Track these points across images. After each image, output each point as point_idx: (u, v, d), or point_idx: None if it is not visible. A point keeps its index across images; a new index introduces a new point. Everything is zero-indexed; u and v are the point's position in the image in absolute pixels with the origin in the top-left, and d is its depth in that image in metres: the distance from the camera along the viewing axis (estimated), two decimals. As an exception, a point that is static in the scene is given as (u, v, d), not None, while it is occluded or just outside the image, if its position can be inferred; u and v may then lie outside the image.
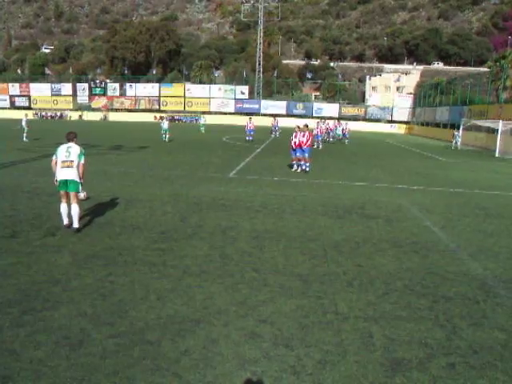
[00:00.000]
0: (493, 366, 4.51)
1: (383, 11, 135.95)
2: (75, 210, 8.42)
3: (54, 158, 8.64)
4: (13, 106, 72.47)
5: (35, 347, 4.56)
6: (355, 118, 66.08)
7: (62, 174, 8.40)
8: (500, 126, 31.67)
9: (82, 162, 8.52)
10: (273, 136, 40.18)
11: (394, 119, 66.17)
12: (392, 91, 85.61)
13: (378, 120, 65.78)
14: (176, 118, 68.38)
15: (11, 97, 73.12)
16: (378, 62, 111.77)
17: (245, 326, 5.15)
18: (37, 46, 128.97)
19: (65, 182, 8.41)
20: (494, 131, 33.90)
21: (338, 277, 6.73)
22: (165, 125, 31.54)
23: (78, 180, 8.42)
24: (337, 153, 27.33)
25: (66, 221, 8.62)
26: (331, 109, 68.55)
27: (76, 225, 8.49)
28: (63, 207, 8.58)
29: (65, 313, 5.30)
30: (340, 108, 68.81)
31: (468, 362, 4.57)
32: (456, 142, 36.69)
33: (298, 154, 17.67)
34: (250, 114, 63.14)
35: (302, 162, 17.69)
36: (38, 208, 10.44)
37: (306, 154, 17.62)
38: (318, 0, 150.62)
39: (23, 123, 29.35)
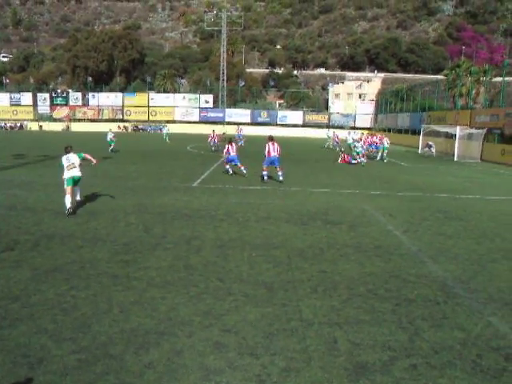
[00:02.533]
0: (453, 365, 4.64)
1: (344, 21, 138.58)
2: (79, 190, 11.97)
3: (63, 164, 11.61)
4: (-31, 117, 70.26)
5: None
6: (319, 126, 66.91)
7: (70, 173, 11.44)
8: (457, 131, 32.72)
9: (83, 156, 12.10)
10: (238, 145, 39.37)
11: (356, 126, 67.34)
12: (354, 98, 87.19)
13: (341, 127, 66.81)
14: (140, 127, 67.70)
15: (-33, 107, 70.90)
16: (340, 70, 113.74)
17: (209, 336, 5.13)
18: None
19: (72, 178, 11.40)
20: (452, 136, 34.94)
21: (303, 283, 6.78)
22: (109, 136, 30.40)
23: (80, 175, 11.65)
24: (299, 160, 27.59)
25: (69, 206, 10.94)
26: (295, 116, 69.27)
27: (79, 198, 11.96)
28: (68, 198, 11.02)
29: (24, 330, 5.15)
30: (304, 115, 69.60)
31: (429, 363, 4.68)
32: (431, 151, 37.06)
33: (271, 165, 17.28)
34: (214, 122, 63.16)
35: (280, 173, 17.21)
36: (-5, 222, 10.11)
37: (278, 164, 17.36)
38: (280, 10, 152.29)
39: None
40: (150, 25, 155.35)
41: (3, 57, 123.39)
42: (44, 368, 4.39)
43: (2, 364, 4.49)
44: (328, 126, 65.80)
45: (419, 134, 40.20)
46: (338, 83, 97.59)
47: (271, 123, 67.00)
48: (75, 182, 11.53)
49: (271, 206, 12.59)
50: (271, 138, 17.37)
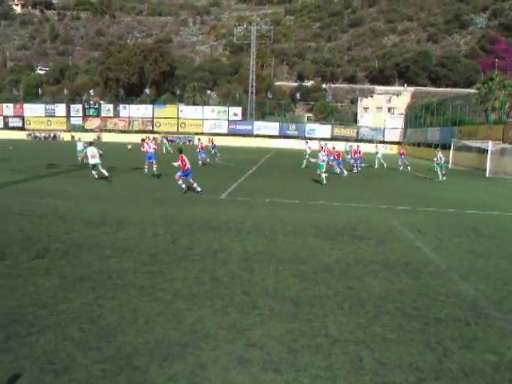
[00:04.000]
0: (483, 390, 4.48)
1: (374, 34, 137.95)
2: (103, 170, 19.54)
3: (84, 153, 19.83)
4: (6, 127, 72.42)
5: (20, 374, 4.48)
6: (347, 139, 66.57)
7: (93, 160, 19.77)
8: (490, 146, 32.03)
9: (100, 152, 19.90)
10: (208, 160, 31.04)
11: (385, 140, 66.69)
12: (383, 112, 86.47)
13: (370, 141, 66.26)
14: (170, 138, 68.56)
15: (5, 117, 73.12)
16: (370, 84, 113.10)
17: (233, 350, 5.10)
18: (32, 68, 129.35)
19: (95, 164, 19.75)
20: (484, 151, 34.22)
21: (329, 299, 6.70)
22: (79, 147, 27.94)
23: (100, 162, 19.71)
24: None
25: (95, 177, 19.60)
26: (323, 130, 69.10)
27: (106, 174, 19.47)
28: (94, 173, 19.85)
29: (51, 337, 5.22)
30: (332, 129, 69.37)
31: (459, 386, 4.53)
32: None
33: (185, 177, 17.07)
34: (242, 135, 63.43)
35: (195, 185, 16.78)
36: (27, 230, 10.35)
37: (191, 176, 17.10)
38: (309, 23, 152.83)
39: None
40: (181, 38, 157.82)
41: (40, 70, 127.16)
42: (69, 376, 4.44)
43: (30, 370, 4.56)
44: (356, 140, 65.39)
45: (449, 148, 39.49)
46: (366, 97, 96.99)
47: (299, 136, 66.92)
48: (95, 166, 19.80)
49: (298, 220, 12.53)
50: (181, 151, 17.10)
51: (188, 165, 16.89)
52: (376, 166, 34.17)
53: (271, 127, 68.65)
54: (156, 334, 5.41)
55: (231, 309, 6.21)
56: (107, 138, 69.85)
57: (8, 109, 73.70)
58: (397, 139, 67.10)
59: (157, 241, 9.71)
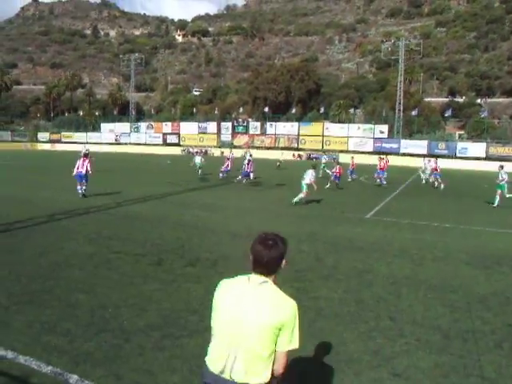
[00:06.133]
0: None
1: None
2: None
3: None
4: (165, 143, 79.76)
5: (172, 372, 4.86)
6: (505, 159, 60.83)
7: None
8: None
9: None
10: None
11: (553, 159, 59.57)
12: (550, 129, 77.46)
13: (533, 160, 59.80)
14: (313, 156, 69.26)
15: (164, 134, 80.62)
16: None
17: (378, 377, 4.93)
18: (188, 89, 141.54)
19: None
20: None
21: (485, 335, 6.13)
22: (197, 160, 30.49)
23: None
24: (482, 196, 25.26)
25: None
26: (477, 148, 63.95)
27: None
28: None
29: (200, 342, 5.53)
30: (487, 147, 63.95)
31: None
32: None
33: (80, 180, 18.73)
34: (388, 153, 61.59)
35: (84, 187, 18.63)
36: (181, 239, 11.23)
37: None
38: (463, 34, 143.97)
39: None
40: (327, 57, 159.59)
41: (195, 91, 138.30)
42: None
43: (180, 370, 4.93)
44: (516, 159, 59.48)
45: None
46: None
47: (450, 155, 62.91)
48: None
49: (449, 245, 11.71)
50: (85, 155, 19.32)
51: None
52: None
53: (419, 145, 65.48)
54: (298, 351, 5.44)
55: (376, 334, 6.02)
56: (255, 154, 72.87)
57: (167, 127, 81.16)
58: None
59: (301, 257, 9.83)
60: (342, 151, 64.76)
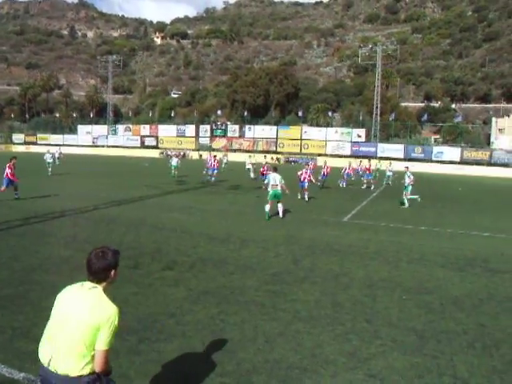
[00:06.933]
0: None
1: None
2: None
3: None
4: (142, 146, 79.13)
5: (147, 376, 4.83)
6: (478, 163, 62.06)
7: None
8: None
9: None
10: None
11: (524, 163, 60.95)
12: (522, 134, 79.27)
13: (505, 165, 61.09)
14: (291, 159, 69.58)
15: (142, 137, 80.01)
16: (506, 103, 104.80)
17: (353, 379, 4.98)
18: (167, 92, 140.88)
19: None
20: None
21: (458, 336, 6.25)
22: (173, 162, 31.98)
23: None
24: (456, 200, 25.77)
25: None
26: (452, 153, 65.13)
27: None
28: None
29: (176, 346, 5.54)
30: (462, 152, 65.19)
31: None
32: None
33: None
34: (365, 156, 62.18)
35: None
36: (158, 242, 11.16)
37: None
38: (438, 41, 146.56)
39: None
40: (306, 61, 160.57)
41: (174, 93, 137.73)
42: (193, 386, 4.68)
43: (157, 374, 4.92)
44: (490, 164, 60.84)
45: None
46: (502, 117, 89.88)
47: (425, 159, 63.89)
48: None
49: (425, 248, 11.90)
50: (11, 159, 18.45)
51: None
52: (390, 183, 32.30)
53: (396, 149, 66.34)
54: (275, 353, 5.48)
55: (352, 336, 6.08)
56: (233, 157, 72.83)
57: (145, 129, 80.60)
58: (539, 163, 60.91)
59: (278, 260, 9.87)
60: (320, 155, 65.25)
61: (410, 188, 20.71)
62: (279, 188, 15.48)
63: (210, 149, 74.49)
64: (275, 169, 16.83)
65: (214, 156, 31.17)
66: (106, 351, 3.04)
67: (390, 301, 7.54)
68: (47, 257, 9.44)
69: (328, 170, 27.46)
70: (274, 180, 15.58)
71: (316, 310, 6.98)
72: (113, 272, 3.21)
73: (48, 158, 31.76)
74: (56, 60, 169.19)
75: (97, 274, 3.17)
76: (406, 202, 20.44)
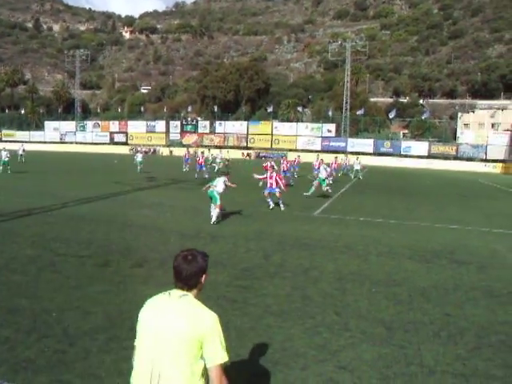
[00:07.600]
0: None
1: (477, 45, 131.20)
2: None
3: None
4: (112, 142, 78.01)
5: (119, 374, 4.76)
6: (445, 157, 63.51)
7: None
8: None
9: None
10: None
11: (488, 157, 62.72)
12: (486, 128, 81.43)
13: (470, 159, 62.67)
14: (263, 154, 69.70)
15: (111, 133, 78.86)
16: (471, 98, 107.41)
17: (323, 371, 5.04)
18: (136, 87, 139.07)
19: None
20: None
21: (424, 326, 6.40)
22: (138, 158, 33.47)
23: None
24: (424, 193, 26.31)
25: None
26: (420, 147, 66.45)
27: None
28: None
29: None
30: (430, 146, 66.55)
31: None
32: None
33: None
34: (336, 151, 62.78)
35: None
36: (128, 239, 11.04)
37: None
38: (406, 37, 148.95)
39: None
40: (276, 56, 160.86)
41: (143, 89, 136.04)
42: None
43: (128, 372, 4.79)
44: (456, 158, 62.27)
45: None
46: (467, 112, 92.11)
47: (394, 154, 64.96)
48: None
49: (393, 241, 12.13)
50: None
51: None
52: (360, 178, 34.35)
53: (365, 144, 67.25)
54: (246, 348, 5.49)
55: (322, 329, 6.15)
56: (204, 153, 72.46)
57: (114, 125, 79.47)
58: (501, 157, 62.77)
59: (249, 256, 9.89)
60: (290, 150, 65.61)
61: (326, 181, 21.72)
62: (216, 189, 13.90)
63: (180, 145, 74.02)
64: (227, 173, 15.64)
65: (202, 152, 32.33)
66: (221, 366, 2.65)
67: (360, 293, 7.66)
68: (13, 256, 9.22)
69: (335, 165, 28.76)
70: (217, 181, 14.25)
71: (286, 304, 7.03)
72: (204, 277, 2.88)
73: (4, 157, 29.32)
74: (20, 54, 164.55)
75: (188, 280, 2.80)
76: (312, 190, 21.28)
